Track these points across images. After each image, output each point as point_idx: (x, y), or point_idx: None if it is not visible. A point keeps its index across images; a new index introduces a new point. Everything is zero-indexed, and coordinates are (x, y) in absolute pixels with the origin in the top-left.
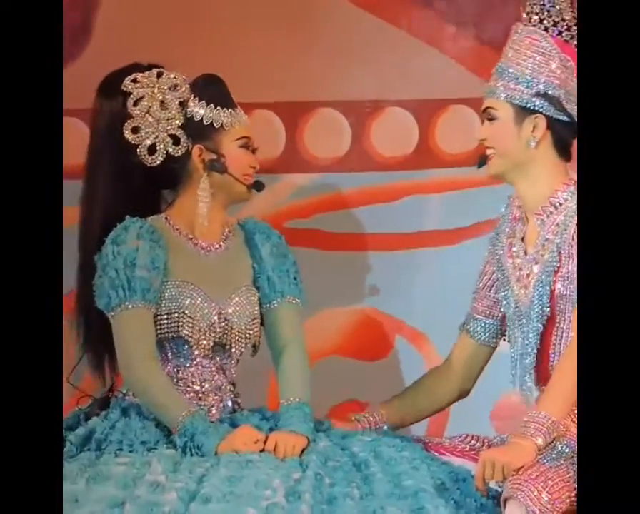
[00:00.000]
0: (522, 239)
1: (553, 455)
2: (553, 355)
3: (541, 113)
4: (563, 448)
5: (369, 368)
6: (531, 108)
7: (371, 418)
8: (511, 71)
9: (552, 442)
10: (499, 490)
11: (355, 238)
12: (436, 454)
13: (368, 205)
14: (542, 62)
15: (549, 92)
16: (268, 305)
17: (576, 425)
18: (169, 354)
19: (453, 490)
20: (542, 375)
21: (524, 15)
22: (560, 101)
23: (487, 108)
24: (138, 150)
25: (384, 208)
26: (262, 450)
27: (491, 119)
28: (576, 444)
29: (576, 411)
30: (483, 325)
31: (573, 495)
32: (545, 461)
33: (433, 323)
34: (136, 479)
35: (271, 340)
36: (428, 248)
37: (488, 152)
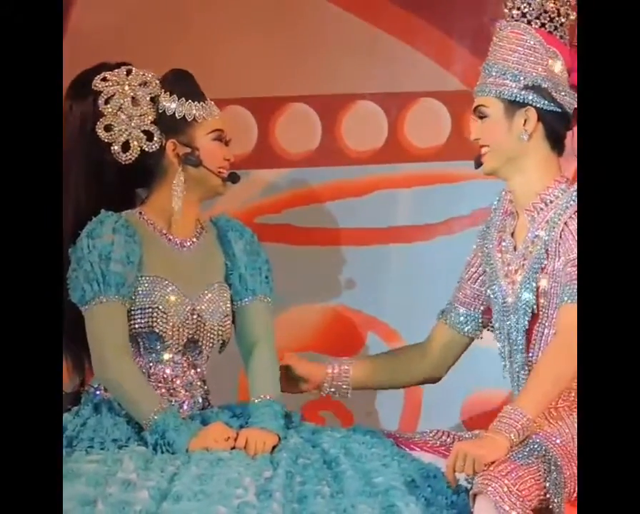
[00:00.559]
0: (512, 234)
1: (525, 453)
2: (532, 352)
3: (531, 105)
4: (535, 446)
5: None
6: (521, 101)
7: (336, 370)
8: (498, 66)
9: (525, 439)
10: (468, 486)
11: (326, 233)
12: (406, 449)
13: (339, 200)
14: (528, 55)
15: (537, 84)
16: (239, 302)
17: (550, 424)
18: (141, 349)
19: (424, 487)
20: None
21: (506, 10)
22: (549, 91)
23: (478, 106)
24: (112, 148)
25: (355, 202)
26: (233, 448)
27: (483, 117)
28: (549, 443)
29: (551, 410)
30: (464, 316)
31: (542, 493)
32: (516, 458)
33: (405, 319)
34: (107, 477)
35: (241, 337)
36: (400, 243)
37: (483, 150)
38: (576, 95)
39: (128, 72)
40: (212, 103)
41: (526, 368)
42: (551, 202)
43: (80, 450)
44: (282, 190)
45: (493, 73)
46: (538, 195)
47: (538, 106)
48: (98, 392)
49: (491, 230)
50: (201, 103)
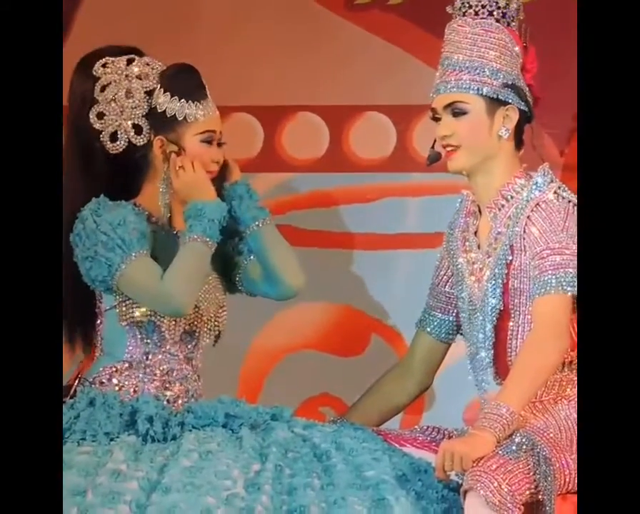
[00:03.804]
0: (475, 233)
1: (513, 448)
2: (510, 350)
3: (510, 104)
4: (523, 440)
5: (343, 363)
6: (502, 99)
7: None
8: (476, 63)
9: (511, 434)
10: (459, 480)
11: (330, 236)
12: (396, 445)
13: (345, 205)
14: (504, 54)
15: (514, 82)
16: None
17: (536, 418)
18: (139, 340)
19: (414, 481)
20: (501, 369)
21: (457, 3)
22: (523, 90)
23: (455, 102)
24: (101, 136)
25: (361, 208)
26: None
27: (459, 114)
28: (536, 436)
29: (536, 403)
30: (439, 321)
31: (533, 486)
32: (505, 453)
33: (409, 324)
34: (97, 467)
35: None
36: (407, 249)
37: (449, 148)
38: (531, 94)
39: (129, 61)
40: (209, 103)
41: (492, 367)
42: (512, 197)
43: (72, 442)
44: (287, 192)
45: (470, 70)
46: (498, 191)
47: (516, 104)
48: (93, 386)
49: (454, 232)
50: (195, 102)
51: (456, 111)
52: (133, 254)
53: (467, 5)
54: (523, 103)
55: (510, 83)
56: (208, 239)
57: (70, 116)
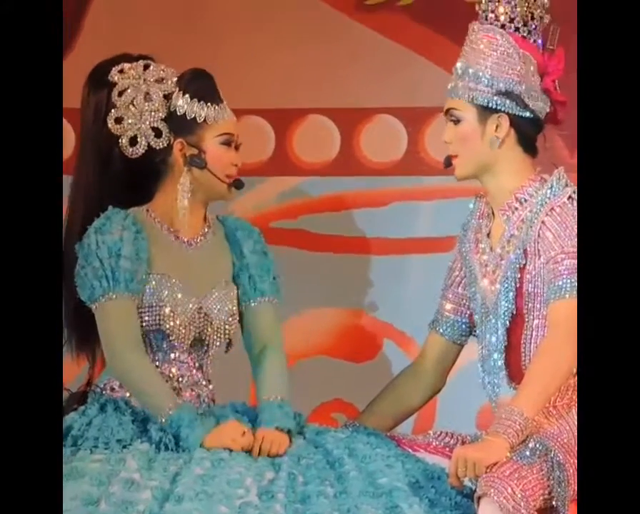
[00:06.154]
0: (488, 235)
1: (527, 453)
2: (524, 354)
3: (503, 111)
4: (537, 446)
5: (356, 369)
6: (494, 107)
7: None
8: (471, 70)
9: (525, 439)
10: (472, 486)
11: (342, 241)
12: (409, 450)
13: (356, 209)
14: (501, 60)
15: (510, 90)
16: (248, 302)
17: (550, 423)
18: (148, 347)
19: (428, 488)
20: (515, 374)
21: (479, 12)
22: (522, 97)
23: (450, 109)
24: (120, 141)
25: (372, 212)
26: (247, 451)
27: (456, 121)
28: (550, 442)
29: (550, 408)
30: (452, 323)
31: (546, 492)
32: (519, 459)
33: (421, 328)
34: (110, 476)
35: (250, 338)
36: (419, 254)
37: (452, 153)
38: (548, 99)
39: (146, 67)
40: (226, 106)
41: (505, 370)
42: (526, 201)
43: (85, 449)
44: (298, 196)
45: (466, 77)
46: (512, 194)
47: (510, 111)
48: (104, 393)
49: (468, 233)
50: (214, 105)
51: (452, 118)
52: (115, 295)
53: (490, 10)
54: (520, 109)
55: (505, 90)
56: (166, 427)
57: (84, 123)
